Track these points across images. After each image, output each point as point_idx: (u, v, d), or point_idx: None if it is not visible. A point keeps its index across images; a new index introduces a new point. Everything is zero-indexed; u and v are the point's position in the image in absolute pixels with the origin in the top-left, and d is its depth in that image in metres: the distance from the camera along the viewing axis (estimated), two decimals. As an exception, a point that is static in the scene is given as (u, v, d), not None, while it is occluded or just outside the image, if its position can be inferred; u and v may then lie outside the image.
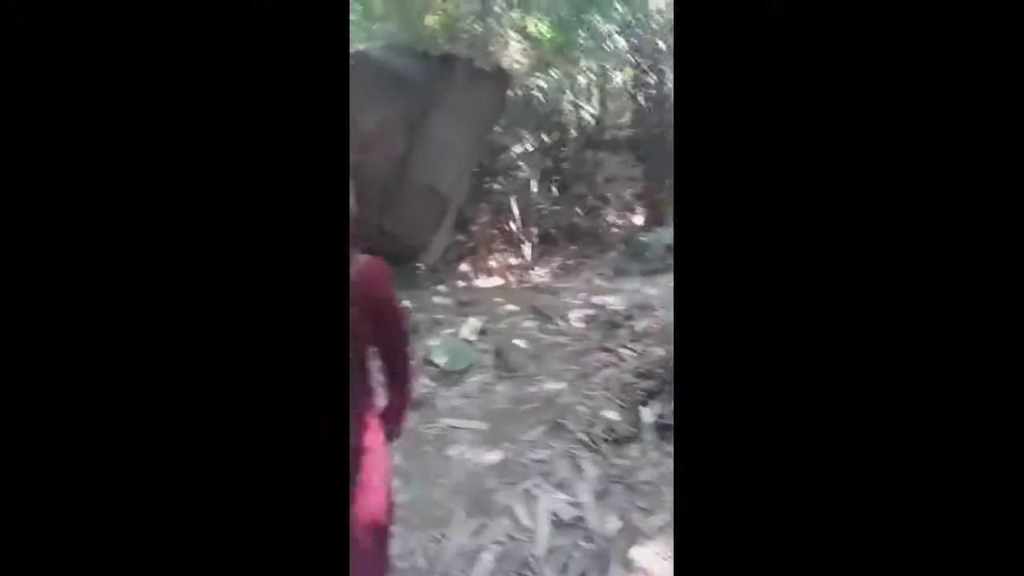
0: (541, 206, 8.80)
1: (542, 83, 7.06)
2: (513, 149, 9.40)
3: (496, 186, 9.60)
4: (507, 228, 9.43)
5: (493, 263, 8.65)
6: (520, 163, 9.63)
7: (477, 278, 8.32)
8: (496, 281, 7.83)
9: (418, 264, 6.79)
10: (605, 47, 7.21)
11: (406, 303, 5.06)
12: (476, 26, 6.62)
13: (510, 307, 5.50)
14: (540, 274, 8.03)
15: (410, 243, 6.71)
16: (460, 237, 9.09)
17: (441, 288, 6.90)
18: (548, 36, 6.74)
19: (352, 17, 6.15)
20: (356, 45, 5.62)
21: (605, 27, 7.02)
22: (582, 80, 7.90)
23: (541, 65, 6.92)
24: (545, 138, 8.50)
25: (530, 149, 9.61)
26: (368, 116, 5.78)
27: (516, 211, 8.42)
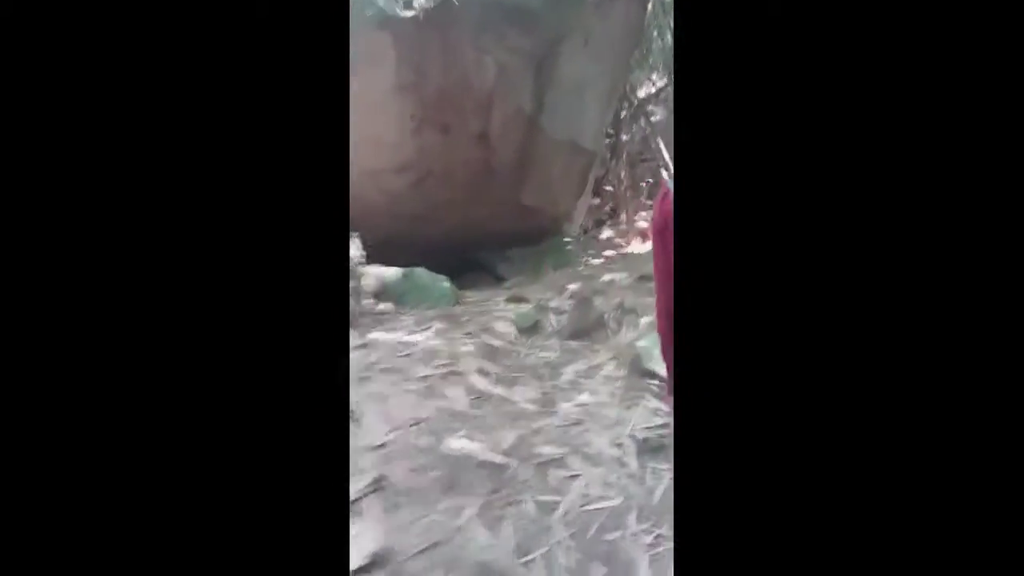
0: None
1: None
2: (637, 93, 7.86)
3: (624, 136, 8.13)
4: (648, 181, 7.97)
5: (642, 223, 7.26)
6: (650, 106, 8.06)
7: (628, 245, 6.97)
8: (651, 246, 6.43)
9: (567, 239, 5.56)
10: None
11: (572, 287, 3.85)
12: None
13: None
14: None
15: (553, 214, 5.49)
16: (594, 200, 7.79)
17: (597, 262, 5.63)
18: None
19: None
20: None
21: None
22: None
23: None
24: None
25: (660, 86, 8.01)
26: (484, 68, 4.58)
27: (667, 156, 6.91)
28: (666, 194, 1.23)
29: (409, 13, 4.34)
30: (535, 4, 4.43)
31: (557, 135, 4.90)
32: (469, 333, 2.95)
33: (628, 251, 6.39)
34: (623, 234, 7.10)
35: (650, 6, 5.42)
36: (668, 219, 1.19)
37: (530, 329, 3.08)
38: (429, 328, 3.04)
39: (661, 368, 2.45)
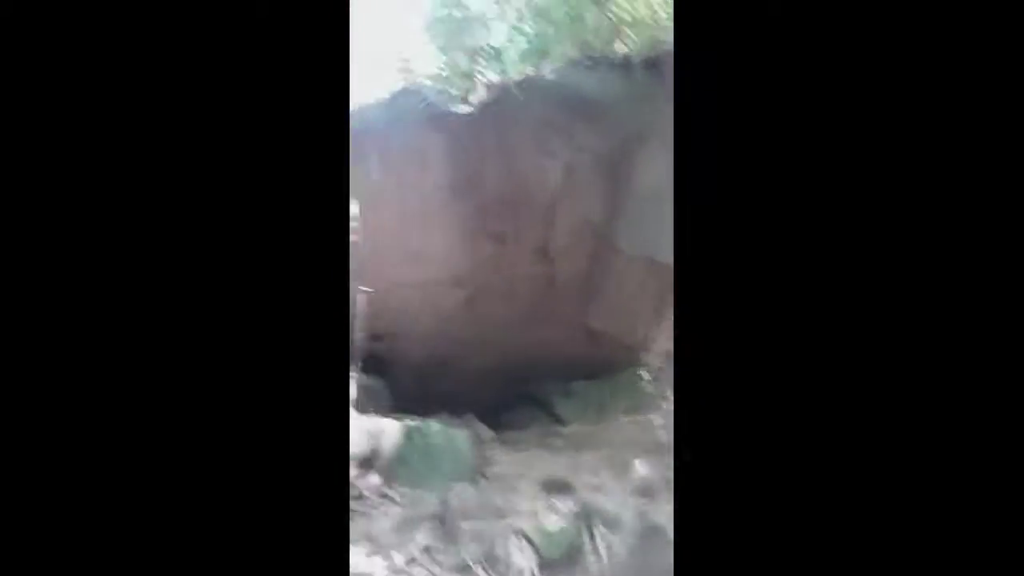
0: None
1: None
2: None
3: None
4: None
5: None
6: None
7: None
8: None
9: (643, 372, 4.28)
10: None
11: (637, 464, 2.57)
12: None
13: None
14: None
15: (627, 342, 4.27)
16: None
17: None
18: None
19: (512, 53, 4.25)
20: (514, 74, 3.60)
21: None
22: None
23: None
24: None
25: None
26: (546, 171, 3.66)
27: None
28: None
29: (465, 109, 3.57)
30: (608, 97, 3.50)
31: (632, 250, 3.79)
32: (462, 568, 1.76)
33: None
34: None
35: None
36: None
37: (562, 561, 1.84)
38: (408, 543, 1.90)
39: None
